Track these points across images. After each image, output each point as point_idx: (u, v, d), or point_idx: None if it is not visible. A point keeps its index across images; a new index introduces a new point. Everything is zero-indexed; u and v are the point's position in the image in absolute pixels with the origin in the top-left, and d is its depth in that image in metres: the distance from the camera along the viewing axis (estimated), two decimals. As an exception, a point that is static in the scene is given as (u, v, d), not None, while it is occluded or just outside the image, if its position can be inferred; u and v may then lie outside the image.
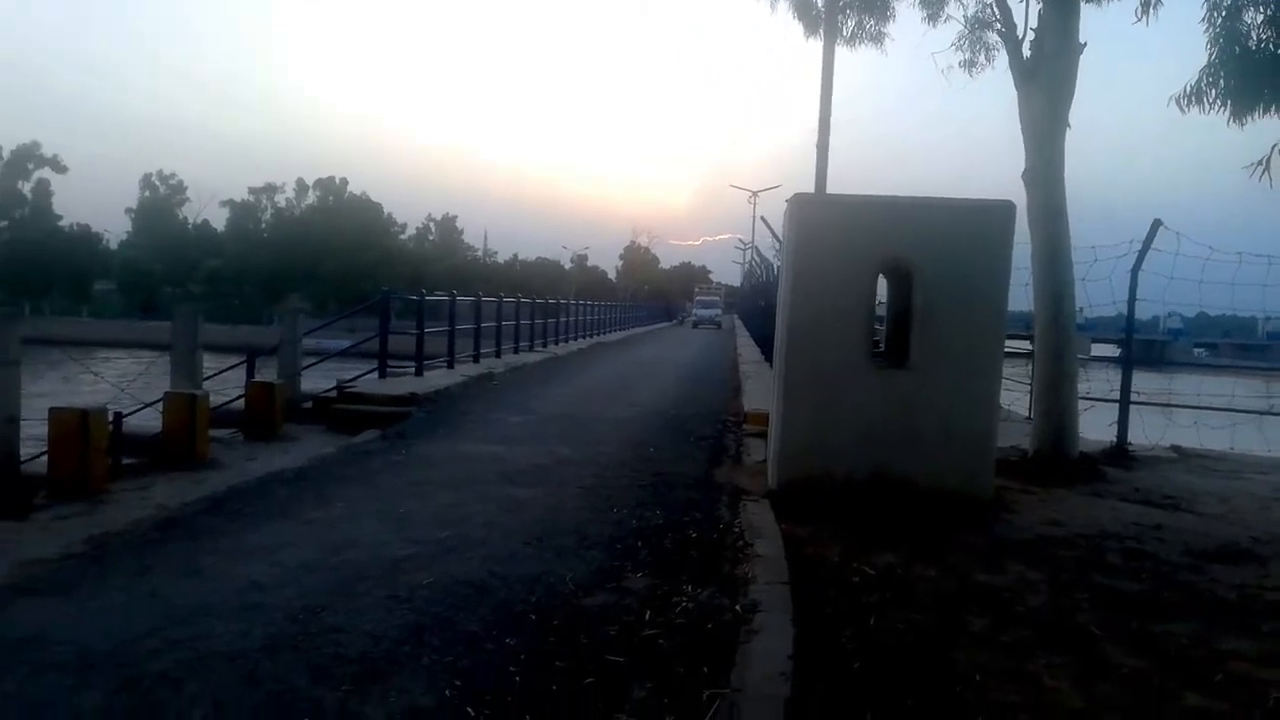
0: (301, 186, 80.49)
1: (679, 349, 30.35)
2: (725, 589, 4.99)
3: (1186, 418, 11.37)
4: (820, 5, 12.57)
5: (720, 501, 7.15)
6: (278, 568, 5.19)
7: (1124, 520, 6.83)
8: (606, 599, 4.83)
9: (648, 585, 5.05)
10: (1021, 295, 8.73)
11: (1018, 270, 7.53)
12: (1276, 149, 7.63)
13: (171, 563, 5.27)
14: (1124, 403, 10.38)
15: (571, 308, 30.64)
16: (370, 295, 21.72)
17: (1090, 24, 8.80)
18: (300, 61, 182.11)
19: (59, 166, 72.01)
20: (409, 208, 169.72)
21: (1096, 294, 10.04)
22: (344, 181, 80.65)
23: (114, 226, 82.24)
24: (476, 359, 17.51)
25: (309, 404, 11.54)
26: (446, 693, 3.65)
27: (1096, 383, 11.35)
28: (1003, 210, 7.06)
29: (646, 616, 4.55)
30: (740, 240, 75.61)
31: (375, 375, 13.73)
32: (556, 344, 25.04)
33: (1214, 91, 8.12)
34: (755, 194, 66.06)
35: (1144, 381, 11.85)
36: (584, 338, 30.13)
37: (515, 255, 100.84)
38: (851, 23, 12.49)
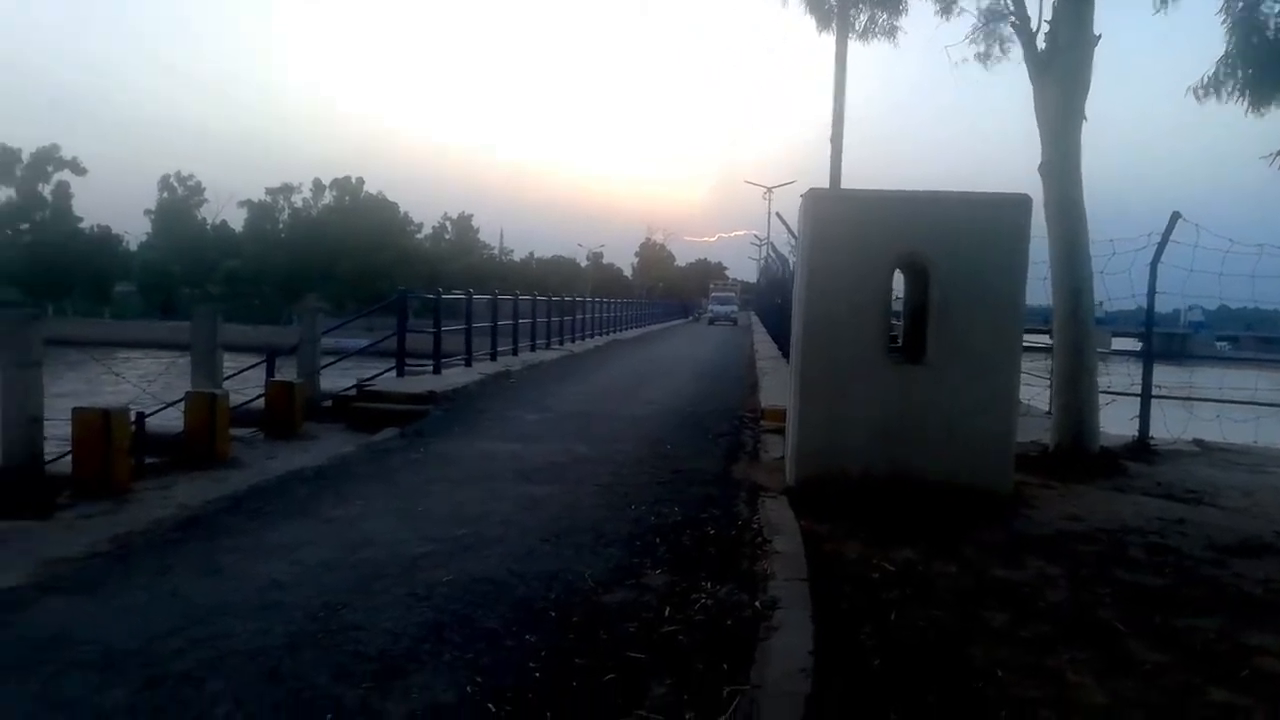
0: (318, 186, 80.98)
1: (695, 346, 30.32)
2: (744, 585, 4.98)
3: (1209, 411, 11.25)
4: (833, 0, 12.51)
5: (738, 498, 7.15)
6: (298, 566, 5.22)
7: (1146, 515, 6.78)
8: (625, 596, 4.83)
9: (667, 582, 5.05)
10: (1040, 289, 8.69)
11: (1036, 264, 7.48)
12: None
13: (193, 561, 5.32)
14: (1145, 396, 10.29)
15: (587, 305, 30.64)
16: (387, 294, 21.79)
17: (1105, 15, 8.75)
18: (316, 63, 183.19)
19: (78, 169, 72.74)
20: (425, 207, 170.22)
21: (1116, 287, 9.97)
22: (360, 181, 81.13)
23: (133, 228, 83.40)
24: (494, 357, 17.56)
25: (328, 403, 11.62)
26: (467, 689, 3.66)
27: (1117, 377, 11.28)
28: (1019, 204, 7.01)
29: (666, 613, 4.55)
30: (756, 236, 75.50)
31: (393, 374, 13.80)
32: (573, 342, 25.07)
33: (1232, 82, 8.06)
34: (770, 190, 65.97)
35: (1165, 375, 11.73)
36: (600, 335, 30.12)
37: (531, 253, 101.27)
38: (864, 17, 12.43)
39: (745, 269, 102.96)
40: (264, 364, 11.04)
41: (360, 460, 8.62)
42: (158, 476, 7.77)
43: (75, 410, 7.23)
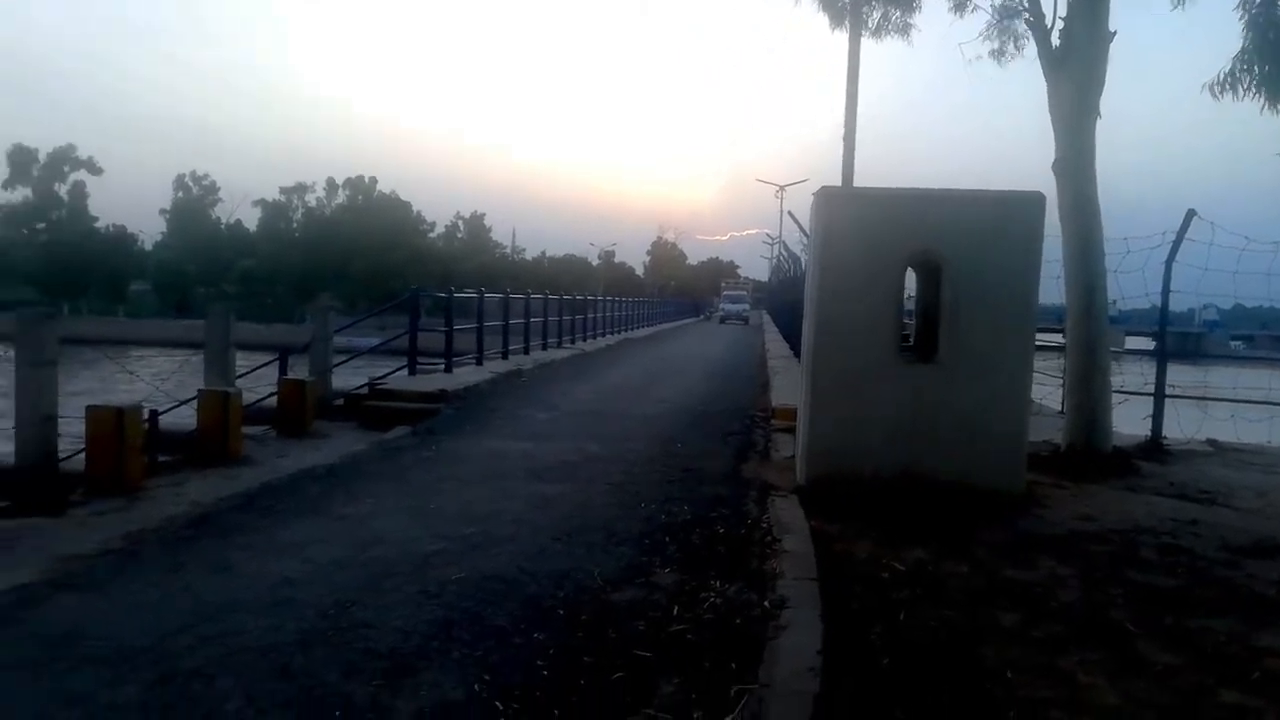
0: (331, 186, 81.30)
1: (707, 345, 30.30)
2: (753, 585, 4.97)
3: (1223, 411, 11.17)
4: (846, -3, 12.48)
5: (748, 497, 7.14)
6: (309, 564, 5.24)
7: (1158, 515, 6.73)
8: (634, 594, 4.84)
9: (676, 581, 5.05)
10: (1053, 287, 8.64)
11: (1049, 262, 7.44)
12: None
13: (205, 559, 5.35)
14: (1159, 396, 10.23)
15: (599, 304, 30.72)
16: (400, 293, 21.88)
17: (1120, 11, 8.68)
18: (330, 63, 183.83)
19: (94, 169, 73.23)
20: (437, 206, 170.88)
21: (1129, 286, 9.91)
22: (373, 180, 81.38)
23: (149, 227, 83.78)
24: (505, 356, 17.59)
25: (340, 401, 11.65)
26: (476, 687, 3.67)
27: (1130, 376, 11.20)
28: (1033, 201, 6.98)
29: (674, 612, 4.55)
30: (768, 235, 75.21)
31: (405, 372, 13.82)
32: (584, 340, 25.09)
33: (1249, 78, 8.00)
34: (782, 188, 65.62)
35: (1179, 374, 11.66)
36: (612, 334, 30.15)
37: (543, 252, 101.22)
38: (877, 14, 12.41)
39: (757, 268, 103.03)
40: (276, 362, 11.09)
41: (371, 458, 8.65)
42: (171, 474, 7.82)
43: (89, 408, 7.28)
